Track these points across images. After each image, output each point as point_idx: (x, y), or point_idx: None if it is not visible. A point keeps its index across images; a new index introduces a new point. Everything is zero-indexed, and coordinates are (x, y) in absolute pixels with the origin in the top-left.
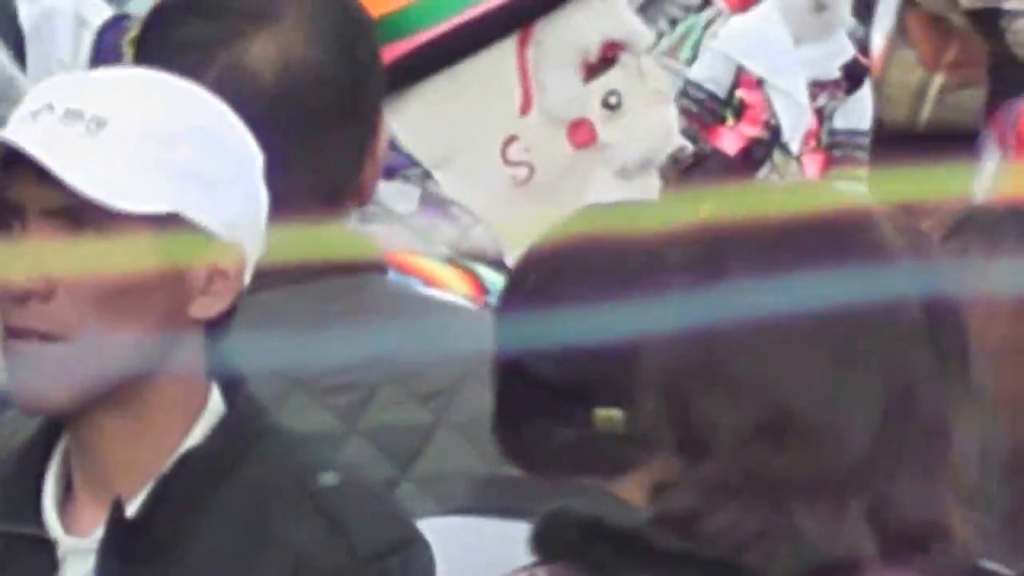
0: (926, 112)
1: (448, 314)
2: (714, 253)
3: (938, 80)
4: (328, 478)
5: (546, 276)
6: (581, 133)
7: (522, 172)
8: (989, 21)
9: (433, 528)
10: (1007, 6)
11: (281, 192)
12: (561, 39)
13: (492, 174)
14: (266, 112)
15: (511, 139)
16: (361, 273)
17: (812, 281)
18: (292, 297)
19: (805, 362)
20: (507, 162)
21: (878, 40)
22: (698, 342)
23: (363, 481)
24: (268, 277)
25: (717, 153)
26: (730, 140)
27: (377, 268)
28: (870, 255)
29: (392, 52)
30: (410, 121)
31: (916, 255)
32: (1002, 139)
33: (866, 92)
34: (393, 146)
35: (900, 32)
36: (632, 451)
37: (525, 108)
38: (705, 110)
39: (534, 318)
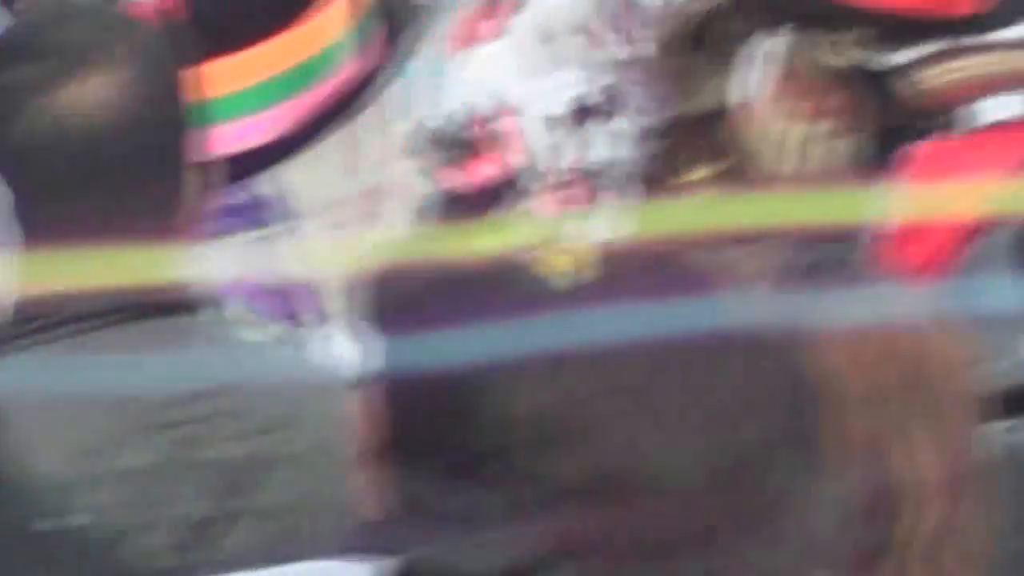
0: (796, 161)
1: (276, 349)
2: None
3: (813, 128)
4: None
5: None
6: None
7: None
8: (873, 80)
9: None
10: (897, 60)
11: (101, 232)
12: None
13: None
14: (80, 155)
15: None
16: (186, 311)
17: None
18: (118, 334)
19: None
20: None
21: (744, 91)
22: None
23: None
24: (93, 316)
25: (459, 190)
26: (472, 176)
27: (199, 305)
28: (698, 288)
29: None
30: None
31: (754, 286)
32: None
33: (605, 128)
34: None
35: (769, 83)
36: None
37: None
38: (446, 147)
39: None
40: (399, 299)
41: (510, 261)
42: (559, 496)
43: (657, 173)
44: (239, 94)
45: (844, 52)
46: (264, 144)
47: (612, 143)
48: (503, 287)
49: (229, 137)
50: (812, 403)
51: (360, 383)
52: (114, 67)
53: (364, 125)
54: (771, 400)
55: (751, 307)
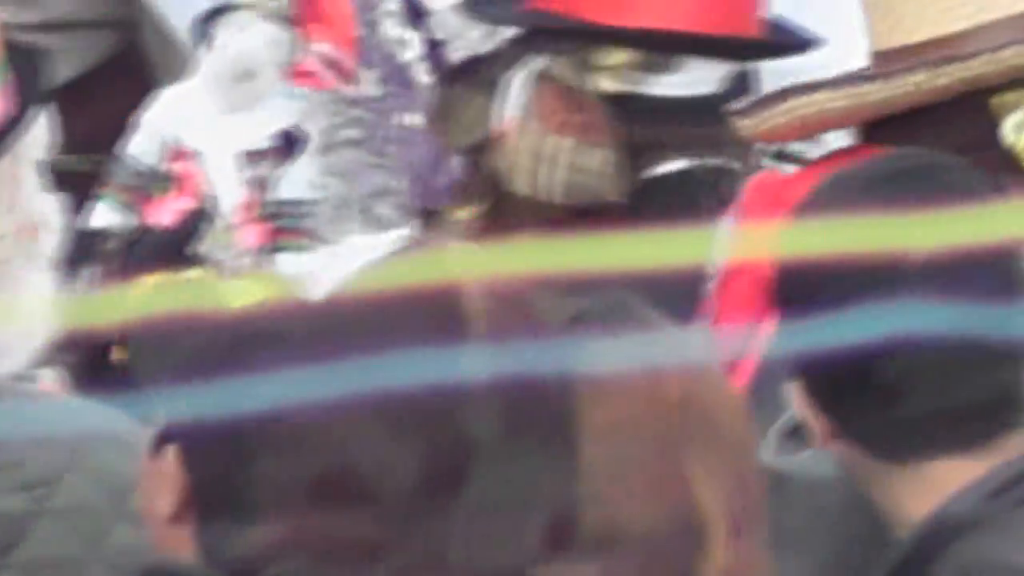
0: (554, 176)
1: (44, 403)
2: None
3: (564, 143)
4: None
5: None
6: None
7: None
8: (629, 102)
9: None
10: (666, 84)
11: None
12: None
13: None
14: None
15: None
16: None
17: (374, 360)
18: None
19: (357, 430)
20: None
21: (501, 117)
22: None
23: None
24: None
25: (154, 227)
26: (166, 213)
27: None
28: (442, 334)
29: None
30: None
31: (507, 333)
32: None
33: (306, 161)
34: None
35: (530, 103)
36: None
37: None
38: (140, 184)
39: None
40: (179, 354)
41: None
42: (285, 497)
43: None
44: None
45: (605, 74)
46: None
47: (300, 181)
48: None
49: None
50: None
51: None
52: None
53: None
54: (478, 406)
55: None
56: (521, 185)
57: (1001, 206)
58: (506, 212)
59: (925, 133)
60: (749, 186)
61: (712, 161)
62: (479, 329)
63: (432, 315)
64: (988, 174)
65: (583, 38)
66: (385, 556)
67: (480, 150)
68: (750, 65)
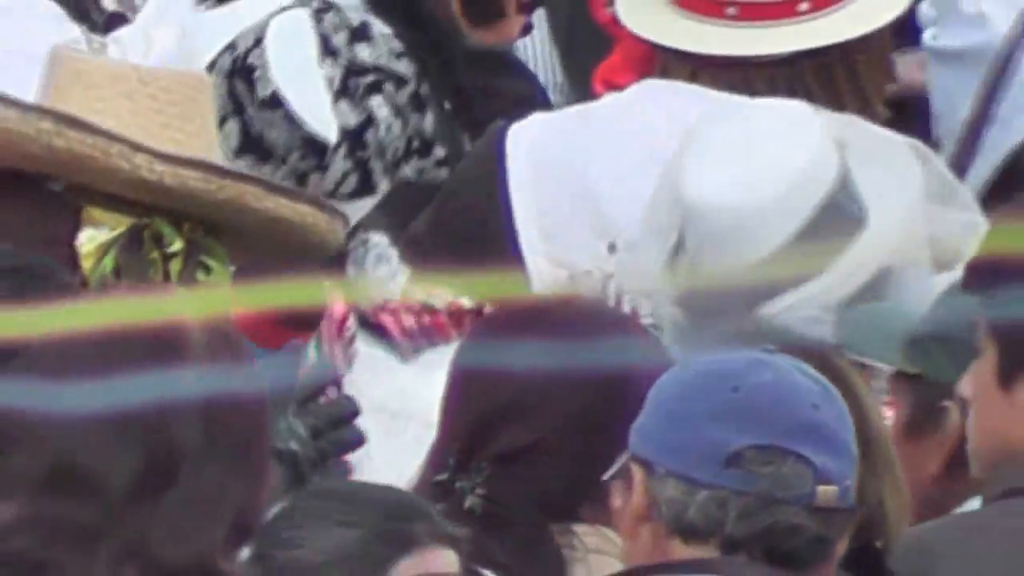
0: None
1: None
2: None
3: None
4: None
5: None
6: None
7: None
8: None
9: None
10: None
11: None
12: None
13: None
14: None
15: None
16: None
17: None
18: None
19: (87, 434)
20: None
21: None
22: None
23: None
24: None
25: None
26: None
27: None
28: (162, 360)
29: None
30: None
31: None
32: None
33: None
34: None
35: None
36: None
37: None
38: None
39: None
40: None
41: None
42: (22, 484)
43: None
44: None
45: None
46: None
47: None
48: None
49: None
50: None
51: None
52: None
53: None
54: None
55: None
56: None
57: None
58: None
59: None
60: None
61: None
62: (195, 356)
63: (155, 345)
64: None
65: None
66: (104, 540)
67: None
68: None
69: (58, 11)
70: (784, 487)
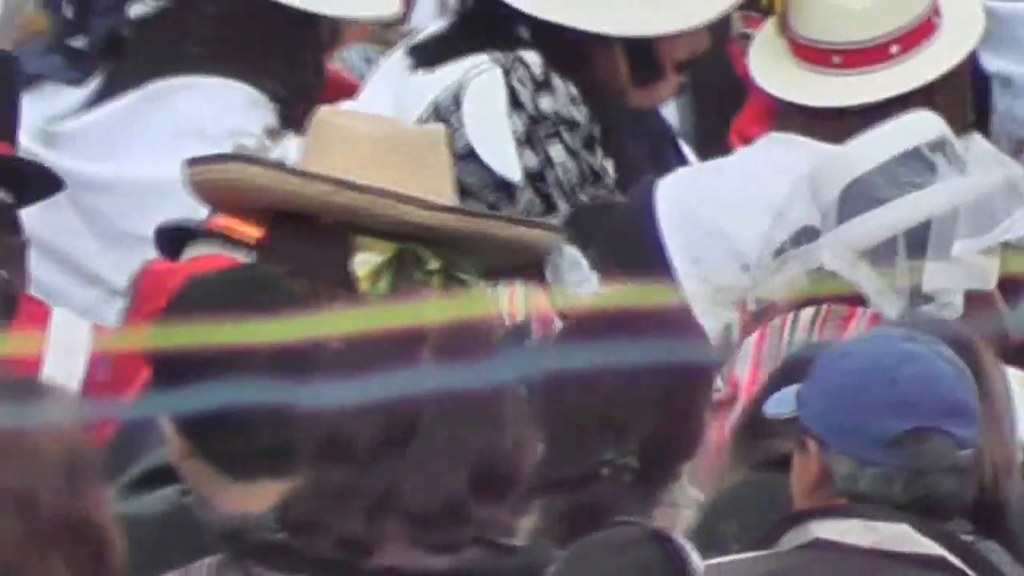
0: None
1: None
2: None
3: None
4: None
5: None
6: None
7: None
8: None
9: None
10: None
11: None
12: None
13: None
14: None
15: None
16: None
17: None
18: None
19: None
20: None
21: None
22: None
23: None
24: None
25: None
26: None
27: None
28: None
29: None
30: None
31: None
32: None
33: None
34: None
35: None
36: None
37: None
38: None
39: None
40: None
41: None
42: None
43: None
44: None
45: None
46: None
47: None
48: None
49: None
50: None
51: None
52: None
53: None
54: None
55: None
56: None
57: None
58: None
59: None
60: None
61: None
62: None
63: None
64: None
65: None
66: (359, 497)
67: None
68: None
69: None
70: (935, 460)
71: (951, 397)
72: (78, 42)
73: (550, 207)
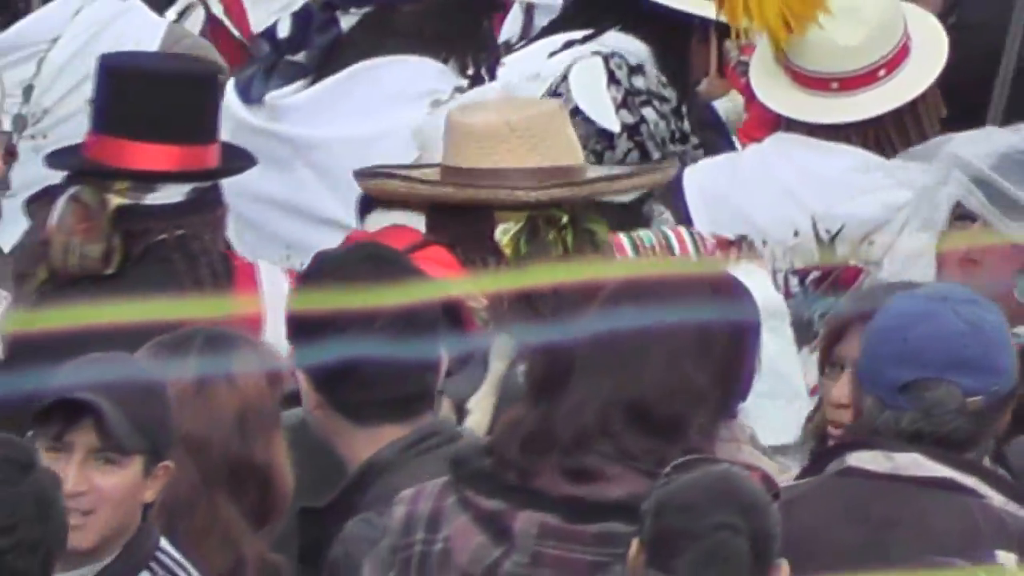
0: (71, 259)
1: None
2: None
3: (75, 240)
4: None
5: None
6: None
7: None
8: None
9: None
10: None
11: None
12: None
13: None
14: None
15: None
16: None
17: None
18: None
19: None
20: None
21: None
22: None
23: None
24: None
25: None
26: None
27: None
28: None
29: None
30: None
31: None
32: None
33: None
34: None
35: (63, 214)
36: None
37: None
38: None
39: None
40: None
41: None
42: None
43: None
44: None
45: (110, 194)
46: None
47: None
48: None
49: None
50: None
51: None
52: None
53: None
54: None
55: None
56: (55, 259)
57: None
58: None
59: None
60: None
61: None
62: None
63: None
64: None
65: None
66: (521, 427)
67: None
68: None
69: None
70: (939, 404)
71: (960, 353)
72: (296, 58)
73: (645, 155)
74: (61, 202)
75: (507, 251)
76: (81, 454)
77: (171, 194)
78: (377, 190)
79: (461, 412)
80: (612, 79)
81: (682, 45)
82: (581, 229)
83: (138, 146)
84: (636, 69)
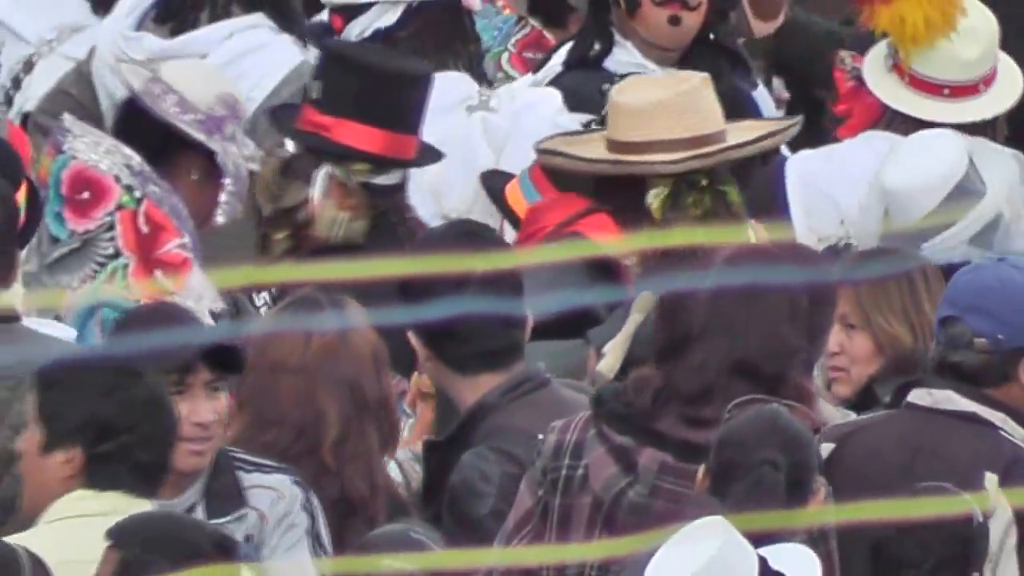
0: (339, 231)
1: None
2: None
3: (343, 215)
4: None
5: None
6: None
7: None
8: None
9: None
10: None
11: None
12: None
13: None
14: None
15: None
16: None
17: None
18: None
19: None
20: None
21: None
22: None
23: None
24: None
25: None
26: None
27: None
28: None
29: None
30: None
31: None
32: None
33: None
34: None
35: (323, 190)
36: None
37: None
38: None
39: None
40: None
41: None
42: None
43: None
44: None
45: (353, 174)
46: None
47: None
48: None
49: None
50: None
51: None
52: None
53: None
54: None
55: None
56: (322, 230)
57: None
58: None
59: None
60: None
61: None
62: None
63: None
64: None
65: (340, 155)
66: (649, 385)
67: (294, 210)
68: None
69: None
70: (954, 338)
71: (981, 299)
72: None
73: None
74: (320, 179)
75: (655, 214)
76: (201, 390)
77: (392, 176)
78: (547, 165)
79: (599, 356)
80: None
81: None
82: (716, 191)
83: (377, 132)
84: None
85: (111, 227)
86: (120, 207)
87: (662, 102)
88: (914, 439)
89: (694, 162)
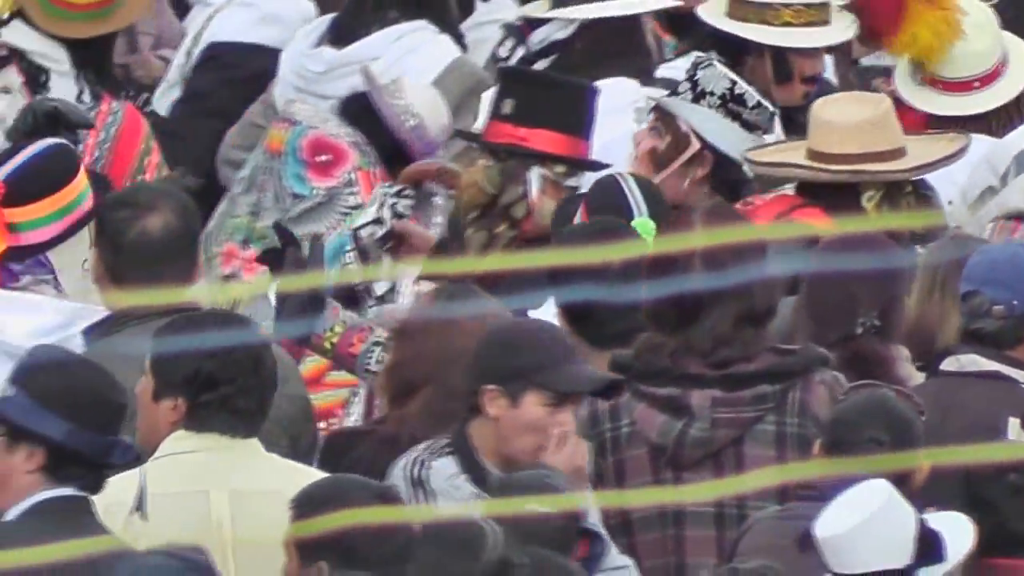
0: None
1: None
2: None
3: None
4: None
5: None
6: None
7: None
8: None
9: None
10: None
11: None
12: None
13: None
14: None
15: None
16: None
17: None
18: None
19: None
20: None
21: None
22: None
23: None
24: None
25: None
26: None
27: None
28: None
29: None
30: None
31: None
32: None
33: None
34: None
35: (541, 189)
36: None
37: None
38: None
39: None
40: None
41: None
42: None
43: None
44: None
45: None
46: None
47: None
48: None
49: None
50: None
51: None
52: None
53: None
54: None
55: None
56: (544, 221)
57: None
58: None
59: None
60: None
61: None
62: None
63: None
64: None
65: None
66: (663, 347)
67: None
68: None
69: None
70: (974, 308)
71: (994, 272)
72: None
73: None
74: (535, 178)
75: (872, 213)
76: None
77: (578, 177)
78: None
79: None
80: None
81: (741, 59)
82: (920, 193)
83: (563, 138)
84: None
85: (350, 183)
86: (358, 168)
87: (869, 120)
88: (944, 399)
89: (918, 171)
